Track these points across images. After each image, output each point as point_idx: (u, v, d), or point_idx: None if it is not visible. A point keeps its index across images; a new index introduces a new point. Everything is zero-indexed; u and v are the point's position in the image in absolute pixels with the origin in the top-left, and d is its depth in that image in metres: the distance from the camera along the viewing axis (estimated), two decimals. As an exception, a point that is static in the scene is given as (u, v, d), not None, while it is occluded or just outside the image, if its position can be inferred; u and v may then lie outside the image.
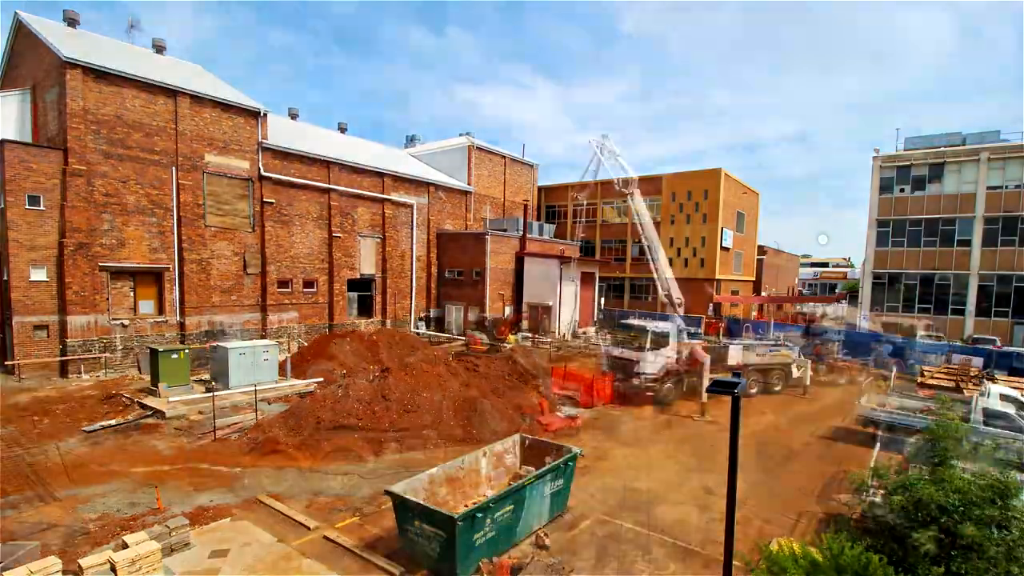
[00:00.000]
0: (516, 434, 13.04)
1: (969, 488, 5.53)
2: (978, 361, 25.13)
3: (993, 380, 20.81)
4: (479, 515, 8.80)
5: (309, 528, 10.45)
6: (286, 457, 14.19)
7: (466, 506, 10.25)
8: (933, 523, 5.56)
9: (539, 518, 10.50)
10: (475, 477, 11.46)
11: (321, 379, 21.15)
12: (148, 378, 20.70)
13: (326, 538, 10.09)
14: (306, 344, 27.54)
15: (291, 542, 9.86)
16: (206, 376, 21.80)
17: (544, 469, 10.56)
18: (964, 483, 5.52)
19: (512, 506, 9.59)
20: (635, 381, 20.93)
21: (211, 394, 18.18)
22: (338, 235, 32.19)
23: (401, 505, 9.20)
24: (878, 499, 6.44)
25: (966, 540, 5.36)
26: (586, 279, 40.93)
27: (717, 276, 45.15)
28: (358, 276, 33.95)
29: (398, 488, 9.40)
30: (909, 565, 5.57)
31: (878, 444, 15.68)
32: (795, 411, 20.91)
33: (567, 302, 37.83)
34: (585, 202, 41.69)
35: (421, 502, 9.19)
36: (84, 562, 7.76)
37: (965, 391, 18.44)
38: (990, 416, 14.81)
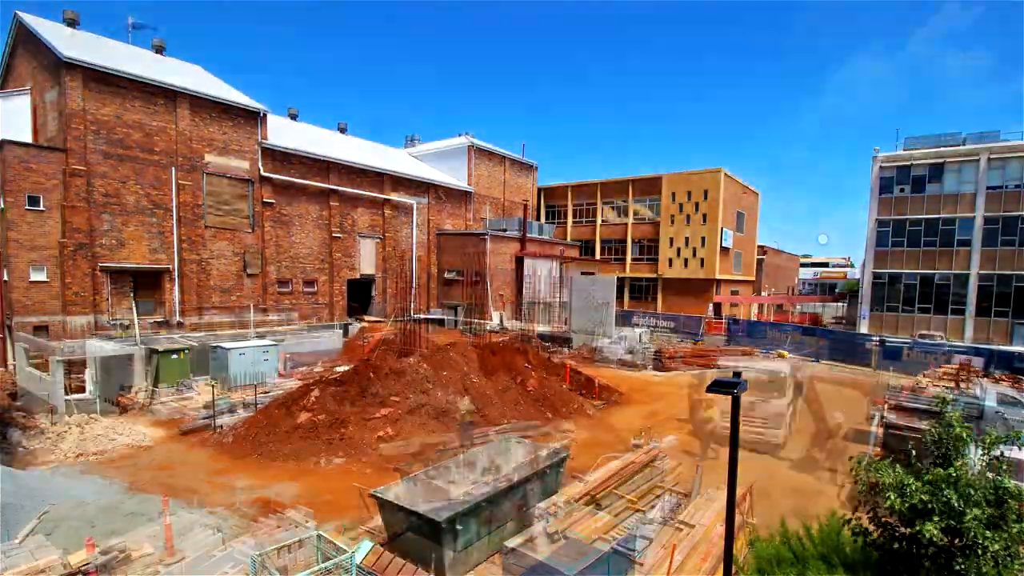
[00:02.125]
0: (512, 436, 13.13)
1: (968, 487, 5.52)
2: (979, 361, 25.05)
3: (994, 380, 20.73)
4: (464, 517, 8.60)
5: (308, 526, 10.41)
6: (285, 456, 14.17)
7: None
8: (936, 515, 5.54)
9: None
10: (469, 474, 11.60)
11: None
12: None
13: (322, 534, 10.05)
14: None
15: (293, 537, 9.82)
16: (207, 376, 21.78)
17: (530, 475, 10.47)
18: (966, 476, 5.50)
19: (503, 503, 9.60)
20: None
21: (210, 395, 18.16)
22: (338, 235, 32.20)
23: (387, 508, 9.11)
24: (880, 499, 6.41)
25: (968, 539, 5.35)
26: (586, 279, 40.88)
27: (717, 276, 45.13)
28: (358, 276, 33.96)
29: (383, 491, 9.31)
30: (912, 562, 5.56)
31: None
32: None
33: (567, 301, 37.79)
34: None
35: (405, 505, 8.97)
36: (74, 559, 7.76)
37: (965, 391, 18.41)
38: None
